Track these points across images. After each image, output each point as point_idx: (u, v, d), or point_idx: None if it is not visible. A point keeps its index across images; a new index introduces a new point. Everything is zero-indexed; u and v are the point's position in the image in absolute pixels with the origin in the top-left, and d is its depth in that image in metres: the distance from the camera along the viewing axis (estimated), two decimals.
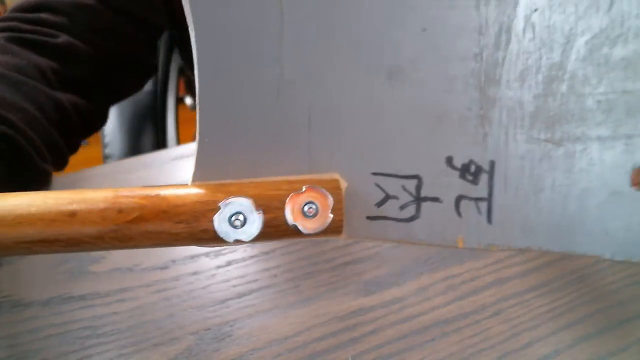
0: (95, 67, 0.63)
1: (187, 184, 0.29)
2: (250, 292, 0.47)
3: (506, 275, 0.49)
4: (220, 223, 0.27)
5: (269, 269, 0.49)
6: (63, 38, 0.59)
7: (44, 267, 0.48)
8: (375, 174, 0.30)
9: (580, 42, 0.29)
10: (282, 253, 0.51)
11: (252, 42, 0.27)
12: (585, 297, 0.47)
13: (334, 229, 0.29)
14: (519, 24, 0.29)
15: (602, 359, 0.41)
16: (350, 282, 0.48)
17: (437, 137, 0.30)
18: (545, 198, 0.31)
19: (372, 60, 0.29)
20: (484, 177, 0.31)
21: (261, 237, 0.28)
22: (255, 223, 0.28)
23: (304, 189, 0.28)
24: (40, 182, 0.54)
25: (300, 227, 0.28)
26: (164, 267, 0.49)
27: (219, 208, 0.27)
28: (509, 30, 0.29)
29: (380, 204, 0.30)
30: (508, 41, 0.29)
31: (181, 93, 1.31)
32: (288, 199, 0.28)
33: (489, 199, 0.31)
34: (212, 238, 0.27)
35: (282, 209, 0.28)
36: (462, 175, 0.31)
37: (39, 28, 0.59)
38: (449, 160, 0.30)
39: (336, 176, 0.30)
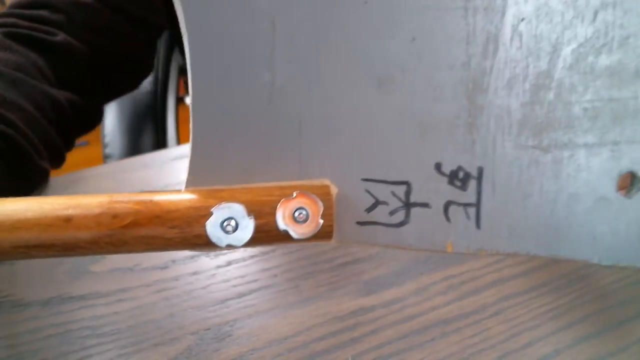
0: (93, 66, 0.64)
1: (180, 190, 0.30)
2: (250, 292, 0.47)
3: (506, 275, 0.49)
4: (212, 228, 0.28)
5: (269, 269, 0.50)
6: (61, 36, 0.60)
7: (43, 267, 0.49)
8: (365, 180, 0.31)
9: (566, 51, 0.30)
10: (282, 253, 0.51)
11: (244, 50, 0.29)
12: (585, 297, 0.47)
13: (324, 234, 0.30)
14: (506, 33, 0.30)
15: (602, 359, 0.42)
16: (350, 282, 0.48)
17: (426, 143, 0.31)
18: (533, 204, 0.32)
19: (362, 68, 0.30)
20: (472, 183, 0.32)
21: (253, 242, 0.29)
22: (247, 228, 0.29)
23: (294, 194, 0.29)
24: (38, 181, 0.55)
25: (291, 232, 0.29)
26: (164, 267, 0.49)
27: (211, 213, 0.28)
28: (496, 39, 0.30)
29: (370, 209, 0.32)
30: (496, 50, 0.30)
31: (181, 93, 1.31)
32: (279, 204, 0.29)
33: (478, 204, 0.32)
34: (205, 243, 0.29)
35: (274, 214, 0.29)
36: (451, 181, 0.32)
37: (37, 25, 0.60)
38: (438, 167, 0.32)
39: (327, 182, 0.31)
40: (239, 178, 0.30)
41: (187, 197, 0.29)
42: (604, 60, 0.31)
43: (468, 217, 0.32)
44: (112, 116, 1.04)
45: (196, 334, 0.43)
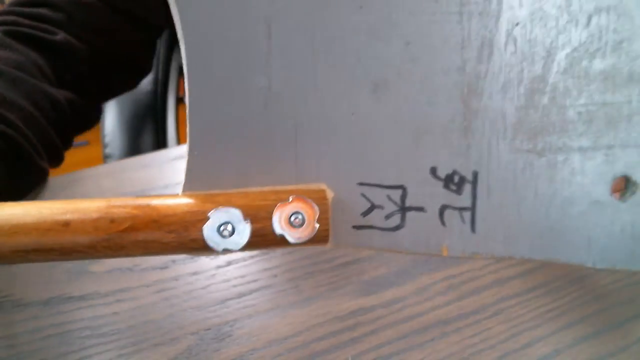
0: (93, 66, 0.64)
1: (177, 194, 0.30)
2: (250, 292, 0.47)
3: (506, 275, 0.49)
4: (209, 233, 0.29)
5: (269, 269, 0.50)
6: (61, 35, 0.61)
7: (43, 267, 0.49)
8: (361, 184, 0.32)
9: (560, 55, 0.31)
10: (282, 253, 0.52)
11: (240, 55, 0.29)
12: (585, 297, 0.47)
13: (320, 238, 0.31)
14: (501, 37, 0.31)
15: (602, 359, 0.42)
16: (350, 282, 0.49)
17: (422, 148, 0.32)
18: (528, 207, 0.33)
19: (357, 73, 0.31)
20: (467, 187, 0.32)
21: (249, 246, 0.30)
22: (243, 233, 0.29)
23: (290, 199, 0.30)
24: (37, 181, 0.56)
25: (287, 237, 0.30)
26: (164, 267, 0.49)
27: (208, 218, 0.29)
28: (491, 44, 0.31)
29: (366, 213, 0.32)
30: (490, 54, 0.31)
31: (181, 93, 1.31)
32: (275, 209, 0.30)
33: (473, 208, 0.32)
34: (202, 247, 0.29)
35: (270, 218, 0.30)
36: (446, 186, 0.32)
37: (37, 24, 0.60)
38: (433, 171, 0.32)
39: (323, 186, 0.31)
40: (235, 182, 0.31)
41: (184, 201, 0.29)
42: (598, 65, 0.31)
43: (463, 221, 0.33)
44: (112, 116, 1.04)
45: (196, 334, 0.43)
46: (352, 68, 0.31)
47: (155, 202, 0.29)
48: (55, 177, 0.60)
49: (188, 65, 0.29)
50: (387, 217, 0.32)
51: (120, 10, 0.67)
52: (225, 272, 0.50)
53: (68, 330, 0.43)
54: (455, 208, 0.33)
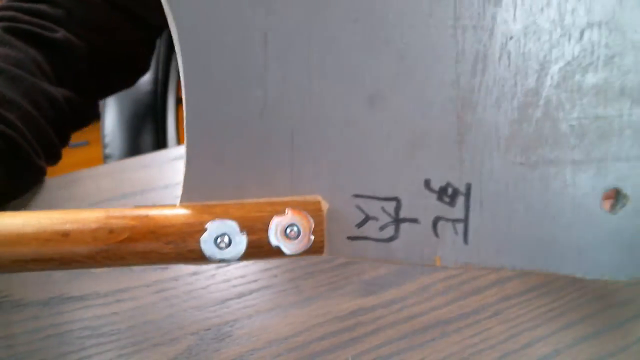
0: (92, 64, 0.65)
1: (175, 205, 0.31)
2: (250, 292, 0.48)
3: (506, 275, 0.50)
4: (206, 244, 0.30)
5: (269, 269, 0.50)
6: (61, 33, 0.61)
7: None
8: (356, 195, 0.33)
9: (554, 69, 0.32)
10: None
11: (237, 65, 0.30)
12: (585, 297, 0.48)
13: (315, 249, 0.32)
14: (495, 51, 0.31)
15: (602, 359, 0.42)
16: (350, 282, 0.49)
17: (416, 160, 0.33)
18: (520, 219, 0.34)
19: (352, 86, 0.31)
20: (460, 199, 0.33)
21: (246, 257, 0.31)
22: (240, 244, 0.30)
23: (286, 211, 0.31)
24: (35, 180, 0.57)
25: (283, 248, 0.31)
26: (164, 268, 0.50)
27: (205, 229, 0.30)
28: (485, 58, 0.31)
29: (360, 224, 0.33)
30: (484, 68, 0.32)
31: (181, 93, 1.32)
32: (271, 221, 0.31)
33: (466, 220, 0.33)
34: (199, 258, 0.30)
35: (266, 230, 0.31)
36: (440, 198, 0.33)
37: (36, 20, 0.61)
38: (427, 183, 0.33)
39: (318, 198, 0.32)
40: (232, 193, 0.32)
41: (181, 212, 0.30)
42: (591, 79, 0.32)
43: (456, 232, 0.34)
44: (112, 116, 1.05)
45: (196, 334, 0.44)
46: (347, 80, 0.31)
47: (154, 212, 0.30)
48: (55, 178, 0.60)
49: (185, 75, 0.30)
50: (382, 228, 0.33)
51: (119, 7, 0.67)
52: (225, 272, 0.50)
53: (68, 330, 0.44)
54: (448, 220, 0.33)
